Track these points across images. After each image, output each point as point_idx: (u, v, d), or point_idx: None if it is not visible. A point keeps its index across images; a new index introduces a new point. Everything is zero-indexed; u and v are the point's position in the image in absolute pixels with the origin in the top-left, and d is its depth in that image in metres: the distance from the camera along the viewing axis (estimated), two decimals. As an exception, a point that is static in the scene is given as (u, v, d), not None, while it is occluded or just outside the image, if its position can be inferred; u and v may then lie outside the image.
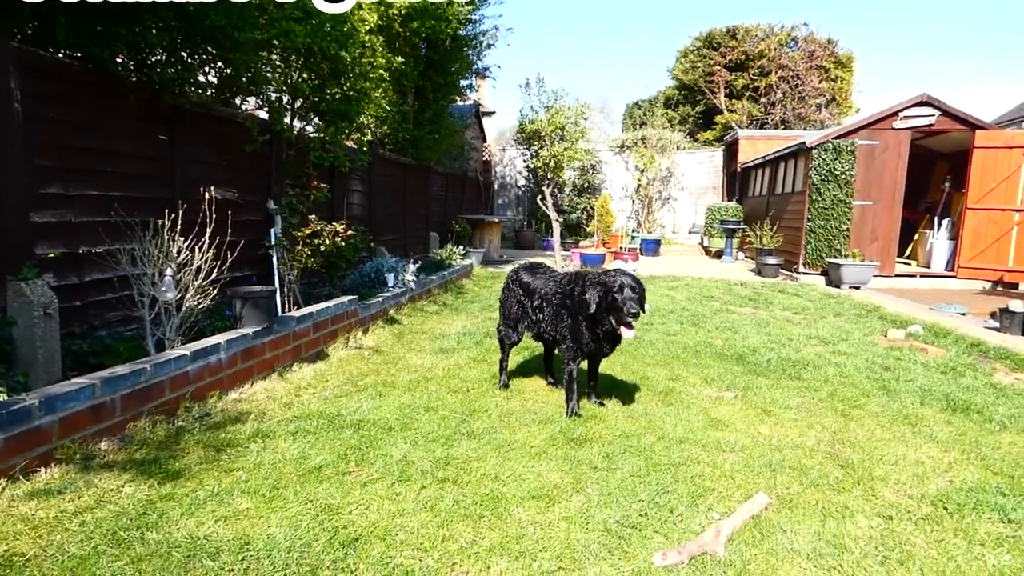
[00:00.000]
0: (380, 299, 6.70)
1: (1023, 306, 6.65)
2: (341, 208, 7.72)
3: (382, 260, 7.88)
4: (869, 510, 2.56)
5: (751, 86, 22.09)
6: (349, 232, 5.75)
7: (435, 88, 10.96)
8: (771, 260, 12.18)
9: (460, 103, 15.08)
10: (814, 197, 11.43)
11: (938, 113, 11.17)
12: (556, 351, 3.91)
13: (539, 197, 12.74)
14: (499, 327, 4.46)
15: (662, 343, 5.82)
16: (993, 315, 8.20)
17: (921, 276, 11.48)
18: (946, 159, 13.31)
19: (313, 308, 5.21)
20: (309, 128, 6.73)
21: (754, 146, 16.77)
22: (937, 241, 12.05)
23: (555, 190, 17.09)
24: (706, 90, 22.85)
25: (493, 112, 25.54)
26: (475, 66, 12.70)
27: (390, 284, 7.51)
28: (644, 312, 3.53)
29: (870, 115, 11.67)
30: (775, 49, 21.59)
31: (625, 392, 4.23)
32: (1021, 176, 10.53)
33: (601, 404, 3.98)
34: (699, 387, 4.46)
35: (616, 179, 18.93)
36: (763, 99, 21.69)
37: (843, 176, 11.23)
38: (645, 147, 18.26)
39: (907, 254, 13.32)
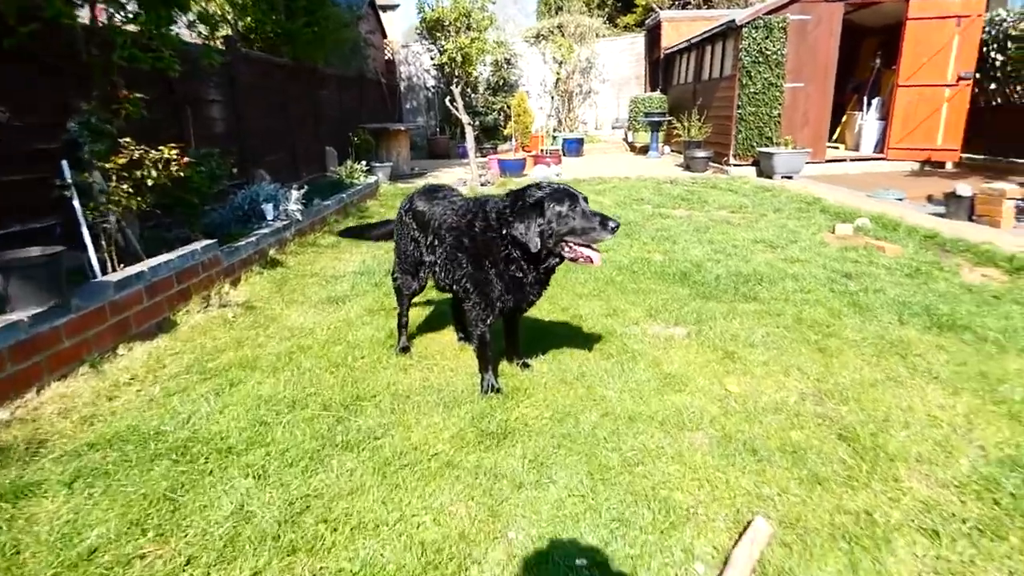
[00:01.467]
0: (254, 238, 5.44)
1: (970, 190, 6.20)
2: (192, 125, 6.13)
3: (257, 188, 6.47)
4: (904, 522, 1.83)
5: (671, -40, 20.39)
6: (186, 159, 4.35)
7: (307, -33, 8.97)
8: (700, 153, 11.42)
9: (347, -11, 12.86)
10: (744, 81, 10.56)
11: (873, -19, 10.31)
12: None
13: (448, 99, 11.22)
14: (393, 273, 3.40)
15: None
16: (930, 198, 7.87)
17: (851, 160, 11.08)
18: (875, 35, 12.64)
19: (144, 265, 3.95)
20: (122, 18, 5.02)
21: (677, 29, 15.53)
22: (866, 123, 11.61)
23: (468, 90, 15.41)
24: (624, -33, 20.97)
25: (396, 6, 22.66)
26: (357, -60, 10.59)
27: (269, 217, 6.20)
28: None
29: (801, -15, 10.66)
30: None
31: (555, 342, 3.35)
32: (952, 48, 10.01)
33: (526, 365, 3.09)
34: (643, 323, 3.64)
35: (533, 74, 17.33)
36: (684, -25, 20.13)
37: (774, 56, 10.36)
38: (563, 36, 16.62)
39: (834, 138, 12.92)
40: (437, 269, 2.96)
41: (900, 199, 7.92)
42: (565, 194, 2.55)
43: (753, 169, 10.79)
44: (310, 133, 10.23)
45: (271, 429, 2.50)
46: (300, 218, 6.41)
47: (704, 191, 8.79)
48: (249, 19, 8.43)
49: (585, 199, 2.60)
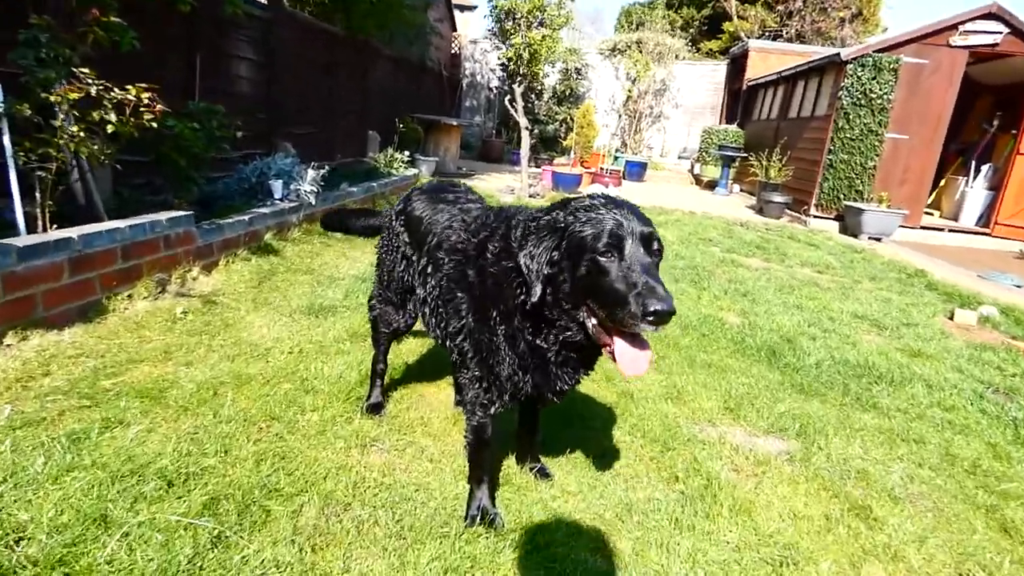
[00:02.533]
0: (246, 217, 4.55)
1: None
2: (199, 76, 5.30)
3: (269, 161, 5.61)
4: None
5: (767, -10, 19.16)
6: (159, 107, 3.44)
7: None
8: (777, 197, 10.18)
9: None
10: (840, 124, 9.32)
11: (1006, 31, 8.94)
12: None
13: (508, 99, 10.29)
14: (371, 299, 2.38)
15: (653, 317, 3.87)
16: (1061, 292, 6.51)
17: (949, 230, 9.68)
18: (992, 93, 11.20)
19: (74, 231, 3.05)
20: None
21: (765, 60, 14.34)
22: (972, 190, 10.17)
23: (531, 95, 14.50)
24: (715, -10, 19.84)
25: (474, 7, 21.93)
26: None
27: (277, 195, 5.32)
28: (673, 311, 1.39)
29: (922, 26, 9.36)
30: (800, -55, 18.54)
31: (591, 436, 2.28)
32: (1093, 117, 8.58)
33: (543, 474, 2.03)
34: (721, 422, 2.54)
35: (603, 88, 16.29)
36: (779, 7, 18.85)
37: (879, 101, 9.10)
38: (640, 52, 15.57)
39: (929, 202, 11.48)
40: (427, 311, 1.92)
41: (1019, 286, 6.60)
42: (612, 221, 1.44)
43: (835, 224, 9.53)
44: (353, 112, 9.41)
45: (104, 539, 1.50)
46: (312, 201, 5.51)
47: (781, 241, 7.59)
48: (303, -24, 7.66)
49: (648, 241, 1.46)
